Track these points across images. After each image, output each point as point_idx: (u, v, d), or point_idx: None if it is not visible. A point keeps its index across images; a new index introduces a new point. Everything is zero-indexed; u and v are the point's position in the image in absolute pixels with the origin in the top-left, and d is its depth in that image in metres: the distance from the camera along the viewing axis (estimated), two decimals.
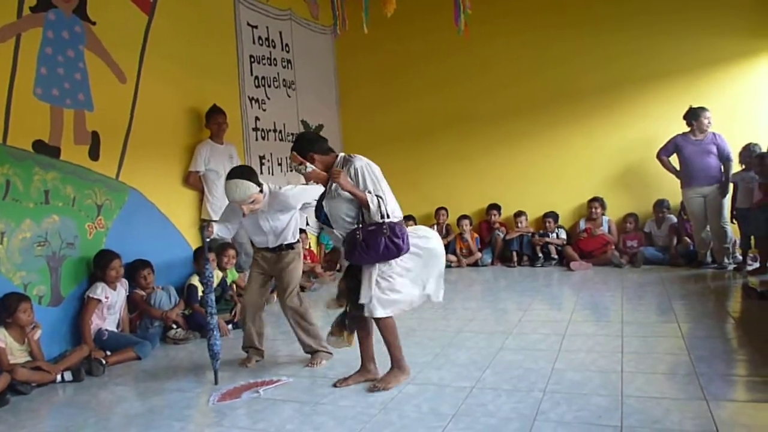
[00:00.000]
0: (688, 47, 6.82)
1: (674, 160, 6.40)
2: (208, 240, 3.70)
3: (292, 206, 3.78)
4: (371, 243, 3.00)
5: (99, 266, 4.38)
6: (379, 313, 3.09)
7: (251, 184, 3.53)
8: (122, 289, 4.53)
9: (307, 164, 3.21)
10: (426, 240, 3.22)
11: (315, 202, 3.50)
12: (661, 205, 6.83)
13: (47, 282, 4.20)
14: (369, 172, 3.12)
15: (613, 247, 6.85)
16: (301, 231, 7.13)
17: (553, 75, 7.37)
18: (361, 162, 3.16)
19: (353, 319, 3.29)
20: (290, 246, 3.86)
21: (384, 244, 2.99)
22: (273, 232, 3.80)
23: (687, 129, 6.28)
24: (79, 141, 4.49)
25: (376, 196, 3.06)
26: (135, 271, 4.71)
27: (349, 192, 3.08)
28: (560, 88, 7.35)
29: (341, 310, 3.38)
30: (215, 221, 5.42)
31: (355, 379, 3.34)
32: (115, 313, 4.48)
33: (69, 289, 4.35)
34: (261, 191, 3.63)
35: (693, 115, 6.22)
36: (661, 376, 3.16)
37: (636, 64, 7.01)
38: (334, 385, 3.30)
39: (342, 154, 3.25)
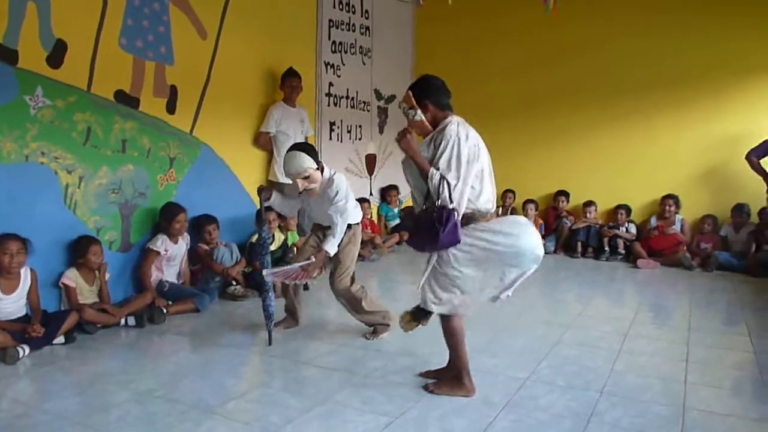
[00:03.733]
0: None
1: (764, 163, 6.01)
2: (265, 203, 3.73)
3: (330, 210, 3.62)
4: (419, 226, 2.63)
5: (165, 218, 4.48)
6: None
7: (308, 158, 3.49)
8: (183, 242, 4.63)
9: (418, 111, 2.81)
10: (507, 236, 2.70)
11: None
12: (740, 210, 6.43)
13: (118, 228, 4.35)
14: (453, 149, 2.62)
15: (685, 247, 6.54)
16: (364, 200, 7.16)
17: (637, 60, 6.98)
18: (452, 134, 2.65)
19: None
20: (347, 227, 3.71)
21: (426, 230, 2.57)
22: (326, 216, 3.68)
23: None
24: (158, 93, 4.58)
25: (443, 177, 2.59)
26: (201, 225, 4.81)
27: (409, 156, 2.70)
28: (642, 76, 6.96)
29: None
30: (280, 182, 5.50)
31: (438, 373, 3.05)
32: (175, 265, 4.59)
33: (138, 237, 4.49)
34: (318, 169, 3.55)
35: None
36: (728, 391, 3.00)
37: (733, 55, 6.52)
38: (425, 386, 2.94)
39: (452, 119, 2.77)
